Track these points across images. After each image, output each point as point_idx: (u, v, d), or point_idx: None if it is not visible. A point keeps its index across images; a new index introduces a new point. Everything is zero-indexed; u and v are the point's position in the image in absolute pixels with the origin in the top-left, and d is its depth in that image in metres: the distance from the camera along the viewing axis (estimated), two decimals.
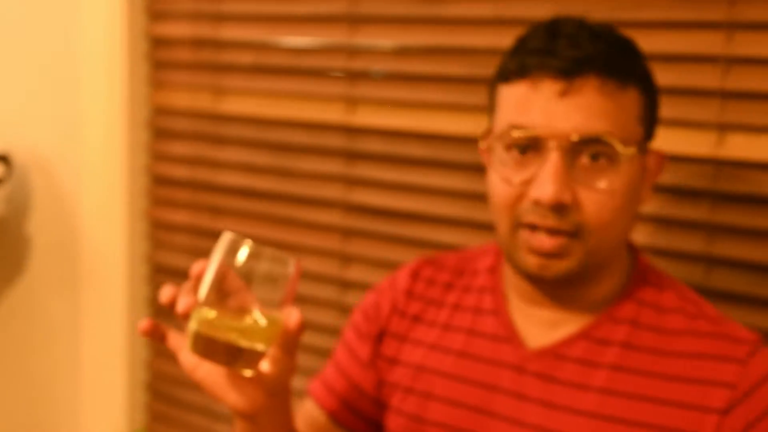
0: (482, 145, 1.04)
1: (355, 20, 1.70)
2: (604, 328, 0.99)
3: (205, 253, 0.87)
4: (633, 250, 1.06)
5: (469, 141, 1.58)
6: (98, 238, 2.09)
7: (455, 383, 1.04)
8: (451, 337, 1.07)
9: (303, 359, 1.86)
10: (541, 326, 1.02)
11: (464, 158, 1.59)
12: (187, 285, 0.86)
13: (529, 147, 0.94)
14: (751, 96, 1.29)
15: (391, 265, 1.72)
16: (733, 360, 0.94)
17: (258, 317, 0.84)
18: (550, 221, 0.93)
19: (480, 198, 1.59)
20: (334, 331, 1.79)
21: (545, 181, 0.91)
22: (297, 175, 1.83)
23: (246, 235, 0.88)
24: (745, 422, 0.91)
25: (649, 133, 1.00)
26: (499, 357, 1.02)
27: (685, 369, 0.95)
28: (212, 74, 1.92)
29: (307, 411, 1.18)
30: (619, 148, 0.92)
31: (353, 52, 1.71)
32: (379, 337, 1.13)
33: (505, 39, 1.53)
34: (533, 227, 0.95)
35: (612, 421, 0.94)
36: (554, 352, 1.00)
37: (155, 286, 2.11)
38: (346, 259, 1.77)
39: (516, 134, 0.94)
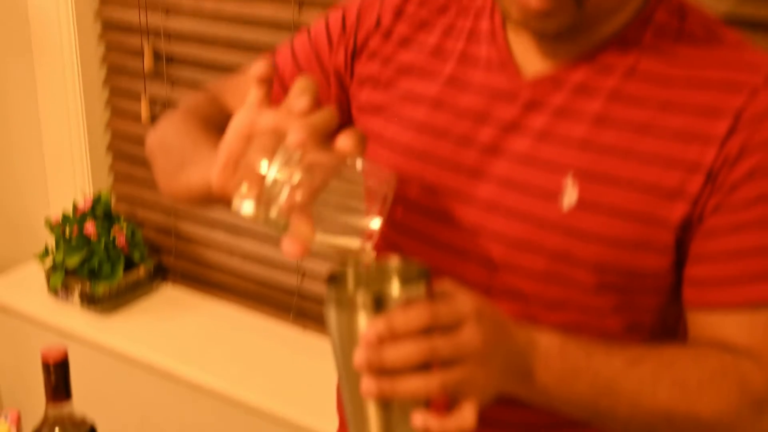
0: None
1: None
2: (610, 52, 0.89)
3: None
4: None
5: None
6: None
7: (439, 112, 0.94)
8: (440, 62, 0.96)
9: None
10: (541, 53, 0.91)
11: None
12: None
13: None
14: None
15: None
16: (746, 86, 0.84)
17: None
18: None
19: None
20: None
21: None
22: None
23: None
24: (739, 147, 0.83)
25: None
26: (491, 85, 0.92)
27: (691, 98, 0.85)
28: None
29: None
30: None
31: None
32: (355, 53, 1.01)
33: None
34: None
35: (604, 152, 0.86)
36: (551, 79, 0.90)
37: (107, 43, 2.03)
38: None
39: None
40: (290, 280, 1.89)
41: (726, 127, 0.83)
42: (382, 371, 0.69)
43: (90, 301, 1.96)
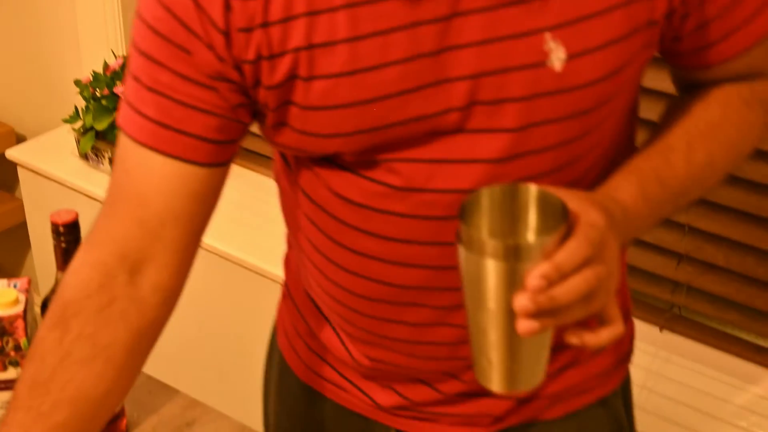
0: None
1: None
2: None
3: None
4: None
5: None
6: None
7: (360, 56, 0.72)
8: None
9: None
10: None
11: None
12: None
13: None
14: None
15: None
16: None
17: None
18: None
19: None
20: None
21: None
22: None
23: None
24: None
25: None
26: None
27: None
28: None
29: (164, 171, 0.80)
30: None
31: None
32: (225, 39, 0.73)
33: None
34: None
35: None
36: None
37: None
38: None
39: None
40: None
41: None
42: (550, 311, 0.66)
43: None
